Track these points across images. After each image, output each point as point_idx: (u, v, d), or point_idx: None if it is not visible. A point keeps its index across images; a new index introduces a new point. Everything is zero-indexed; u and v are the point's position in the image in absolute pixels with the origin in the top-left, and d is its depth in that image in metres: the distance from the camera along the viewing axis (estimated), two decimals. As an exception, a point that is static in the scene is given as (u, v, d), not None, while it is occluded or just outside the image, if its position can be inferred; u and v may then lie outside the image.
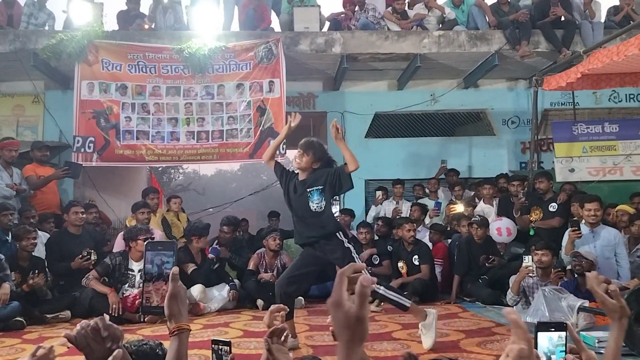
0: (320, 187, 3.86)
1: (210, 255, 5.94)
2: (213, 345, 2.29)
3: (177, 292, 1.37)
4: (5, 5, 7.64)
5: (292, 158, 3.98)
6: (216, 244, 6.06)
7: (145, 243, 1.52)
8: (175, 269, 1.41)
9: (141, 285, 1.54)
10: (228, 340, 2.23)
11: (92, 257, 5.56)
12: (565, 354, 1.37)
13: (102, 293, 5.06)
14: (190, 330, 1.35)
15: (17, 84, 8.13)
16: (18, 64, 7.32)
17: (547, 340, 1.37)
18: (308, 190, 3.87)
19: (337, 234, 3.89)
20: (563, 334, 1.38)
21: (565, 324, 1.40)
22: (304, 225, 3.94)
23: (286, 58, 7.29)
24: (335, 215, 4.16)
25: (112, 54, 7.23)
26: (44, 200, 6.55)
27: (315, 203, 3.85)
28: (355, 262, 3.77)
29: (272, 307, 2.02)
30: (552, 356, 1.37)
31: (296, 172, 4.03)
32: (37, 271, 5.26)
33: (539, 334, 1.37)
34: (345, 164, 3.88)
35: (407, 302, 3.86)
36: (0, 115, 8.15)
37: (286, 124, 4.19)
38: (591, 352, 1.38)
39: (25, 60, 7.19)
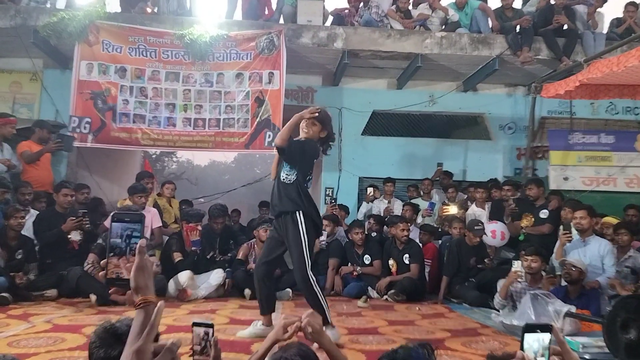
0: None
1: (193, 248, 5.93)
2: (194, 328, 2.26)
3: (144, 265, 1.33)
4: (7, -20, 7.56)
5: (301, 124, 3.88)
6: (199, 236, 6.00)
7: (111, 214, 1.47)
8: (143, 241, 1.37)
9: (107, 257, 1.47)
10: (211, 322, 2.20)
11: (85, 220, 5.58)
12: (549, 355, 1.37)
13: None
14: (157, 303, 1.33)
15: (15, 61, 8.06)
16: (18, 40, 7.26)
17: (535, 342, 1.37)
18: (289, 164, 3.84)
19: (297, 212, 3.77)
20: (548, 335, 1.39)
21: (551, 325, 1.41)
22: (276, 194, 3.87)
23: (287, 50, 7.28)
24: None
25: (113, 35, 7.19)
26: (38, 178, 6.50)
27: (285, 173, 3.82)
28: (304, 253, 3.70)
29: (283, 322, 2.04)
30: (538, 357, 1.37)
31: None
32: (22, 253, 5.29)
33: (526, 335, 1.38)
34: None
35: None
36: (-4, 91, 8.08)
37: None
38: (574, 354, 1.40)
39: (25, 36, 7.13)
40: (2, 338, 3.56)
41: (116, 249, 1.41)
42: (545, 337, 1.36)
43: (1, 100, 8.02)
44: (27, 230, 5.66)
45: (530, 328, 1.39)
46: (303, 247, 3.71)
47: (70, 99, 7.07)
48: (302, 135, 3.90)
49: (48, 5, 7.53)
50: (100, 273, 1.44)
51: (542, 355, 1.35)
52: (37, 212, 5.98)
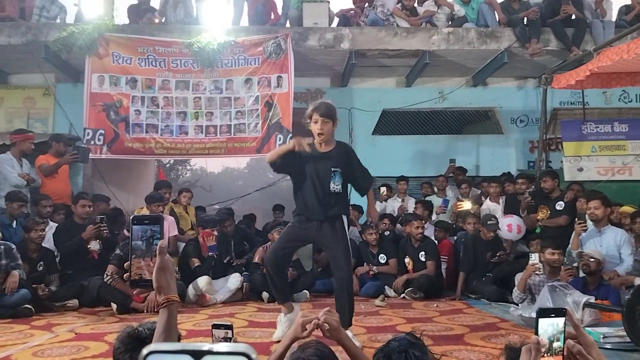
0: (340, 170, 3.85)
1: (210, 253, 5.99)
2: (214, 330, 2.29)
3: (165, 265, 1.36)
4: (17, -3, 7.72)
5: (313, 127, 3.81)
6: (215, 241, 6.07)
7: (131, 217, 1.50)
8: (163, 242, 1.39)
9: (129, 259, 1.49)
10: (230, 323, 2.22)
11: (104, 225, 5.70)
12: (565, 339, 1.37)
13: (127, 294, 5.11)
14: (180, 301, 1.35)
15: (28, 77, 8.20)
16: (29, 57, 7.38)
17: (550, 326, 1.37)
18: (332, 169, 3.82)
19: (343, 216, 3.86)
20: (563, 319, 1.38)
21: (565, 309, 1.40)
22: (317, 202, 3.83)
23: (295, 53, 7.31)
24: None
25: (123, 47, 7.27)
26: (56, 190, 6.60)
27: (336, 184, 3.82)
28: (350, 253, 3.83)
29: (302, 320, 2.08)
30: (554, 342, 1.37)
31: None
32: (43, 265, 5.42)
33: (540, 320, 1.37)
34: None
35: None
36: (11, 107, 8.22)
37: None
38: (590, 337, 1.39)
39: (36, 52, 7.25)
40: (27, 348, 3.63)
41: (137, 250, 1.44)
42: (560, 321, 1.36)
43: (16, 116, 8.17)
44: (47, 243, 5.76)
45: (544, 313, 1.38)
46: (349, 247, 3.84)
47: (83, 112, 7.17)
48: (319, 138, 3.82)
49: (58, 21, 7.66)
50: (125, 275, 1.46)
51: (557, 340, 1.35)
52: (56, 224, 6.08)
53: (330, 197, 3.81)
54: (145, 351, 0.57)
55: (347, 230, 3.87)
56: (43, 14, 7.58)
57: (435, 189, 7.92)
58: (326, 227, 3.81)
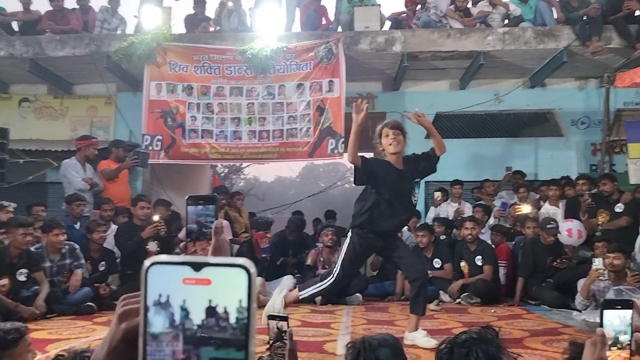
0: (418, 181, 4.05)
1: (263, 255, 6.06)
2: (270, 321, 2.31)
3: (221, 246, 1.35)
4: (81, 11, 8.13)
5: (385, 141, 3.79)
6: (268, 244, 6.15)
7: (185, 198, 1.50)
8: (218, 222, 1.40)
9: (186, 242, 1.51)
10: (285, 315, 2.23)
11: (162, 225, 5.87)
12: (632, 331, 1.30)
13: None
14: None
15: (91, 87, 8.59)
16: (92, 67, 7.73)
17: (616, 318, 1.30)
18: (414, 182, 3.96)
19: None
20: (630, 311, 1.31)
21: (632, 301, 1.32)
22: (394, 217, 3.83)
23: (346, 58, 7.31)
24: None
25: (179, 55, 7.50)
26: (117, 194, 6.86)
27: (415, 197, 4.00)
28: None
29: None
30: (620, 335, 1.30)
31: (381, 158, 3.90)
32: (105, 267, 5.66)
33: (605, 311, 1.30)
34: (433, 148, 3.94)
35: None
36: (75, 116, 8.62)
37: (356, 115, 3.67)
38: None
39: (98, 62, 7.58)
40: (89, 341, 3.76)
41: (192, 233, 1.45)
42: (627, 313, 1.28)
43: (80, 125, 8.55)
44: (109, 244, 5.98)
45: (610, 304, 1.31)
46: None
47: (142, 119, 7.43)
48: (391, 150, 3.78)
49: (118, 32, 8.00)
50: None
51: (625, 333, 1.27)
52: (117, 226, 6.30)
53: (408, 209, 3.97)
54: (147, 263, 0.58)
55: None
56: (104, 26, 7.94)
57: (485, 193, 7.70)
58: (390, 241, 3.87)
